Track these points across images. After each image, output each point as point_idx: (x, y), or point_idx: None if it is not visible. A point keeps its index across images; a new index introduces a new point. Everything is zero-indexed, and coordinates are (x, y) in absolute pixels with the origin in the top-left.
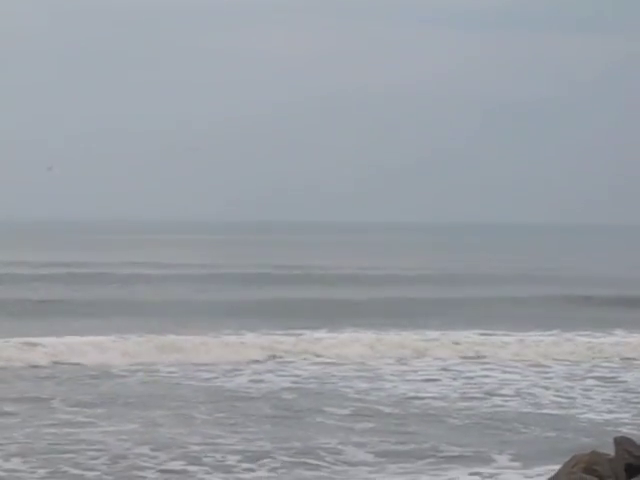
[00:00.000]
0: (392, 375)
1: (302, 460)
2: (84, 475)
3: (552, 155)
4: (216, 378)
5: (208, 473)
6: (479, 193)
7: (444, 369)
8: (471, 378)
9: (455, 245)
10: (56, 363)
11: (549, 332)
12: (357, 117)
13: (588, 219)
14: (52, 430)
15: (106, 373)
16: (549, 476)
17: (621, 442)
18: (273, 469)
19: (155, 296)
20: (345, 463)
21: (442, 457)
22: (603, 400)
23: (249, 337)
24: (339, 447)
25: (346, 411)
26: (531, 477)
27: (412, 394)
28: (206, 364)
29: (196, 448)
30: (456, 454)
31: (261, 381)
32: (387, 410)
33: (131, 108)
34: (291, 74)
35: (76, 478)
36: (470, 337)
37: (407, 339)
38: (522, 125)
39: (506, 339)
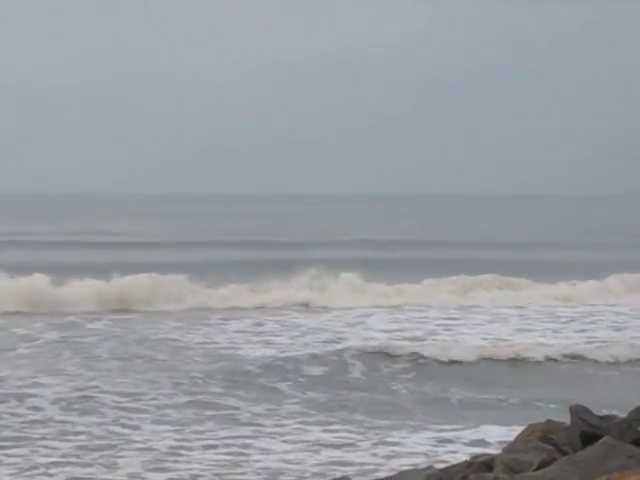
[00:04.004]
0: None
1: None
2: None
3: (504, 125)
4: None
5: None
6: (431, 164)
7: None
8: None
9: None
10: None
11: None
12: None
13: (545, 190)
14: None
15: None
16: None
17: (576, 411)
18: None
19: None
20: None
21: None
22: None
23: None
24: None
25: None
26: None
27: None
28: None
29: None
30: None
31: None
32: None
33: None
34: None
35: None
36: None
37: None
38: (474, 95)
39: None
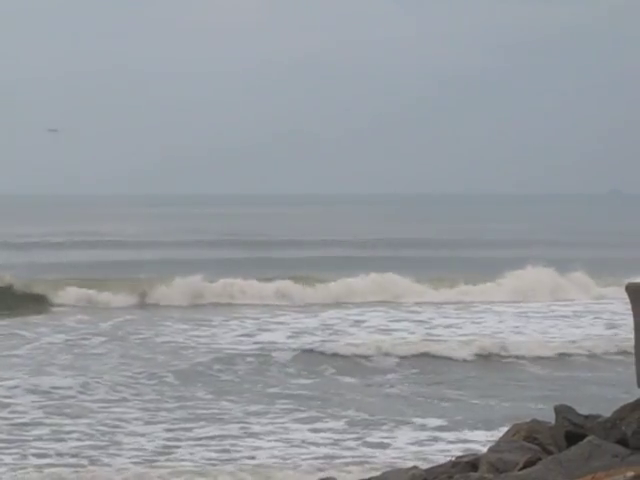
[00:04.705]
0: None
1: None
2: None
3: (489, 126)
4: None
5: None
6: (420, 163)
7: None
8: None
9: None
10: None
11: None
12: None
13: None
14: None
15: None
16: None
17: (561, 410)
18: None
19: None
20: None
21: None
22: None
23: None
24: None
25: None
26: None
27: None
28: None
29: None
30: None
31: None
32: None
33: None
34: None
35: None
36: None
37: None
38: (467, 95)
39: None
